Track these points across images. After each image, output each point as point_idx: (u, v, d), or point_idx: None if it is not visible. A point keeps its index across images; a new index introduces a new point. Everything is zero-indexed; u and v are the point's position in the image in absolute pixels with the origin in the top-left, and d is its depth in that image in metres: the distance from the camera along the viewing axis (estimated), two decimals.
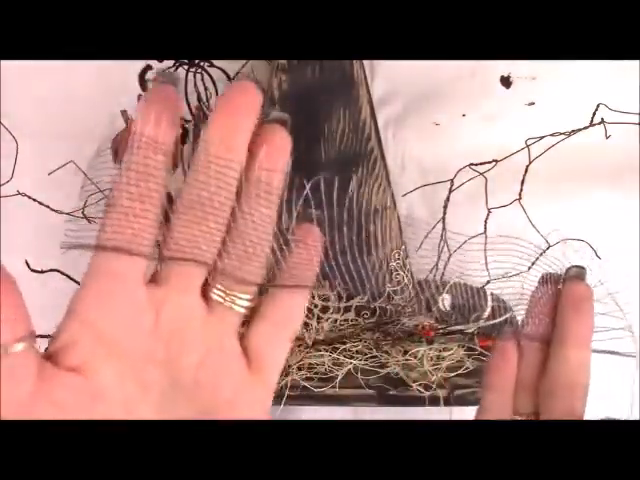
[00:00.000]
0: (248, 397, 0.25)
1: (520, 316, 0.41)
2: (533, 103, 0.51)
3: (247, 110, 0.23)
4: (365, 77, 0.39)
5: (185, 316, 0.24)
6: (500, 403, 0.30)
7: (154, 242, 0.23)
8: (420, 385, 0.43)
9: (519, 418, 0.30)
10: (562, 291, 0.30)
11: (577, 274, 0.30)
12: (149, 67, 0.36)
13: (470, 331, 0.45)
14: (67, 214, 0.41)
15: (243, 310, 0.25)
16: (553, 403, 0.29)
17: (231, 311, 0.24)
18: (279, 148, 0.24)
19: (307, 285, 0.25)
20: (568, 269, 0.30)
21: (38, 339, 0.34)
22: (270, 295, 0.25)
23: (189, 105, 0.39)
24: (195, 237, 0.23)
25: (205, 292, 0.24)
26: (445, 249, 0.46)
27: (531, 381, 0.30)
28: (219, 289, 0.24)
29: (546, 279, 0.31)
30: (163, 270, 0.24)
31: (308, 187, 0.29)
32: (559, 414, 0.28)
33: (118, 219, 0.22)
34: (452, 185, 0.43)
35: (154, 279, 0.24)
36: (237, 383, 0.25)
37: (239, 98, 0.23)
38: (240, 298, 0.24)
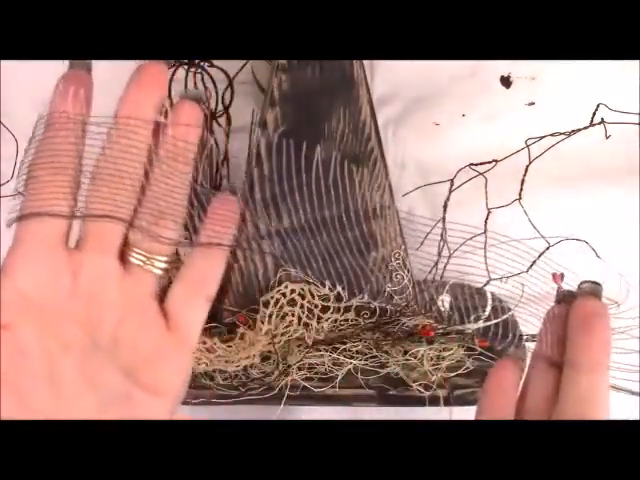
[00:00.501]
0: (167, 356, 0.26)
1: (520, 316, 0.41)
2: (533, 103, 0.51)
3: (154, 80, 0.26)
4: (365, 77, 0.39)
5: (102, 278, 0.25)
6: None
7: (72, 205, 0.25)
8: (420, 385, 0.43)
9: None
10: (572, 308, 0.27)
11: (590, 290, 0.27)
12: None
13: (470, 331, 0.45)
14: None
15: (160, 272, 0.26)
16: None
17: (148, 273, 0.26)
18: (191, 105, 0.26)
19: (220, 243, 0.26)
20: (581, 284, 0.27)
21: None
22: (187, 257, 0.26)
23: None
24: (109, 195, 0.24)
25: (124, 255, 0.25)
26: (445, 249, 0.46)
27: (541, 409, 0.27)
28: (139, 253, 0.25)
29: (561, 297, 0.28)
30: (82, 231, 0.25)
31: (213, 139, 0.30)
32: None
33: (36, 188, 0.24)
34: (452, 185, 0.43)
35: (77, 244, 0.25)
36: (156, 342, 0.26)
37: (147, 72, 0.26)
38: (158, 260, 0.25)
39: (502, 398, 0.28)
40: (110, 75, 0.48)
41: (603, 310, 0.26)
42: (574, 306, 0.27)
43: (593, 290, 0.26)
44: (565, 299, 0.27)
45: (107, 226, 0.25)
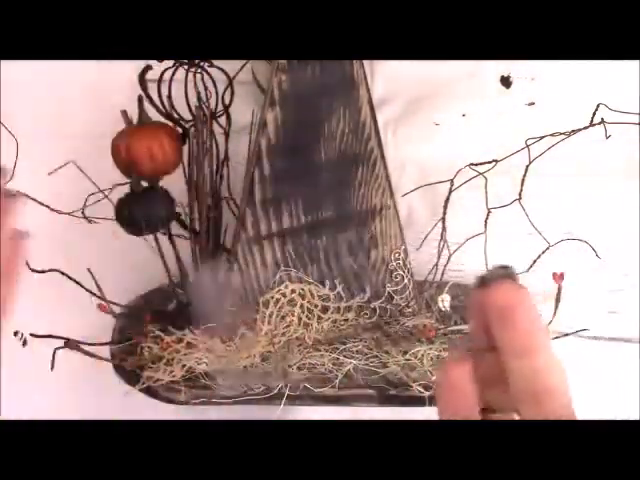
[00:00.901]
0: None
1: None
2: (533, 103, 0.51)
3: None
4: (365, 77, 0.39)
5: None
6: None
7: None
8: (420, 385, 0.43)
9: (494, 416, 0.27)
10: (487, 298, 0.25)
11: (500, 275, 0.25)
12: (149, 67, 0.36)
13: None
14: (67, 214, 0.41)
15: None
16: (525, 409, 0.25)
17: None
18: None
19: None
20: (490, 270, 0.25)
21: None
22: None
23: (189, 105, 0.40)
24: None
25: None
26: (445, 249, 0.46)
27: (498, 394, 0.26)
28: None
29: (478, 282, 0.26)
30: None
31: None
32: (536, 417, 0.25)
33: None
34: (452, 185, 0.43)
35: None
36: None
37: None
38: None
39: (460, 399, 0.27)
40: (109, 75, 0.48)
41: (518, 295, 0.24)
42: (488, 296, 0.25)
43: (503, 274, 0.25)
44: (482, 284, 0.25)
45: None
